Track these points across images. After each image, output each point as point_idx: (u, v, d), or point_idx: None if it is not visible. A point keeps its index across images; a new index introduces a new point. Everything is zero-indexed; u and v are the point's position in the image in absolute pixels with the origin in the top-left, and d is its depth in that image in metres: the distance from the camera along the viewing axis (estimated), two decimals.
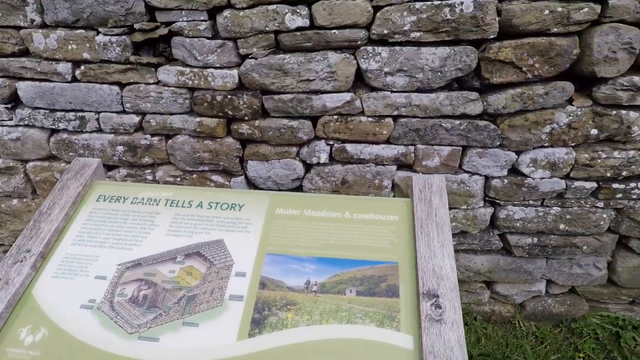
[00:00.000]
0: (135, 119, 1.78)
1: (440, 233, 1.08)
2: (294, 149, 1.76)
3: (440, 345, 0.90)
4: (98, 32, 1.63)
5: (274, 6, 1.50)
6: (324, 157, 1.75)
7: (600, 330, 2.10)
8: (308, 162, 1.78)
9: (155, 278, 1.09)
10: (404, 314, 0.97)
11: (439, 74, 1.54)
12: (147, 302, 1.04)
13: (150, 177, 1.89)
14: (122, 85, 1.74)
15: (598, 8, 1.41)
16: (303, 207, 1.22)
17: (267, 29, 1.54)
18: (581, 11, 1.41)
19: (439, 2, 1.44)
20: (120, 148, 1.83)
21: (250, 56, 1.60)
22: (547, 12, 1.41)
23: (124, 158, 1.85)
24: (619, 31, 1.42)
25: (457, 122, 1.62)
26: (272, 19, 1.52)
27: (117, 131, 1.82)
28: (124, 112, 1.78)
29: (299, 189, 1.85)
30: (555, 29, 1.44)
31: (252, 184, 1.87)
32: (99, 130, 1.83)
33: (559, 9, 1.40)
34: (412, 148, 1.70)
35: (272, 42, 1.58)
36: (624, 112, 1.56)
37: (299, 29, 1.53)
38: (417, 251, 1.05)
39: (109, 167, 1.91)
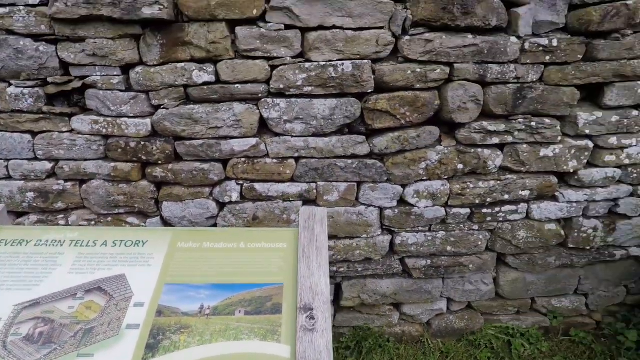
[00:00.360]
0: (48, 165, 1.83)
1: (319, 255, 1.27)
2: (207, 190, 1.90)
3: (311, 351, 1.05)
4: (10, 84, 1.71)
5: (183, 64, 1.70)
6: (235, 196, 1.90)
7: (494, 340, 2.37)
8: (221, 201, 1.92)
9: (53, 315, 1.14)
10: (285, 327, 1.12)
11: (330, 121, 1.81)
12: (43, 338, 1.09)
13: (63, 222, 1.91)
14: (34, 134, 1.80)
15: (447, 69, 1.77)
16: (203, 241, 1.35)
17: (176, 83, 1.72)
18: (435, 72, 1.76)
19: (324, 63, 1.72)
20: (30, 194, 1.84)
21: (162, 107, 1.76)
22: (409, 72, 1.75)
23: (34, 204, 1.86)
24: (465, 87, 1.80)
25: (350, 161, 1.88)
26: (181, 75, 1.71)
27: (27, 178, 1.84)
28: (35, 159, 1.83)
29: (214, 226, 1.97)
30: (418, 85, 1.78)
31: (167, 224, 1.96)
32: (8, 177, 1.84)
33: (418, 70, 1.75)
34: (313, 185, 1.92)
35: (182, 94, 1.76)
36: (480, 150, 1.92)
37: (205, 83, 1.73)
38: (299, 272, 1.22)
39: (18, 214, 1.91)
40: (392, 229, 2.06)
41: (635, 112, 1.92)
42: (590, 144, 1.96)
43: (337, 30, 1.69)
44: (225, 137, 1.82)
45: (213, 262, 1.28)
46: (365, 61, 1.74)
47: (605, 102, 1.89)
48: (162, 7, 1.57)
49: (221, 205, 1.96)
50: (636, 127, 1.94)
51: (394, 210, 2.00)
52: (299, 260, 1.25)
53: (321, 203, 1.95)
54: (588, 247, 2.17)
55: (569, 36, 1.77)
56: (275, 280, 1.24)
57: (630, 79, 1.84)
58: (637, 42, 1.77)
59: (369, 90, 1.78)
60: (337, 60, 1.73)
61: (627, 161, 1.99)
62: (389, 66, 1.75)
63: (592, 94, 1.96)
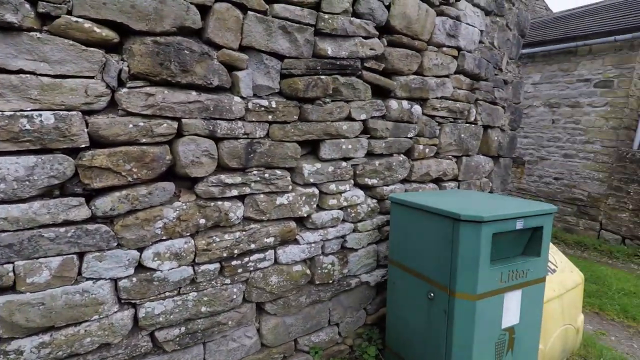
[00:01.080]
0: None
1: None
2: None
3: None
4: None
5: None
6: None
7: None
8: None
9: None
10: None
11: (28, 183, 1.46)
12: None
13: None
14: None
15: (175, 124, 1.74)
16: None
17: None
18: (162, 126, 1.70)
19: (11, 113, 1.40)
20: None
21: None
22: (131, 125, 1.62)
23: None
24: (197, 142, 1.80)
25: (63, 229, 1.55)
26: None
27: None
28: None
29: None
30: (144, 140, 1.67)
31: None
32: None
33: (142, 124, 1.64)
34: (9, 267, 1.47)
35: None
36: (220, 203, 1.93)
37: None
38: None
39: None
40: (133, 301, 1.78)
41: (344, 164, 2.36)
42: (316, 191, 2.27)
43: (29, 75, 1.42)
44: None
45: None
46: (74, 112, 1.51)
47: (322, 155, 2.25)
48: None
49: None
50: (347, 175, 2.38)
51: (131, 279, 1.74)
52: None
53: (24, 288, 1.51)
54: (330, 281, 2.46)
55: (285, 100, 2.05)
56: None
57: (336, 137, 2.27)
58: (335, 108, 2.21)
59: (83, 145, 1.54)
60: (31, 110, 1.44)
61: (345, 203, 2.41)
62: (106, 119, 1.58)
63: (314, 149, 2.32)
